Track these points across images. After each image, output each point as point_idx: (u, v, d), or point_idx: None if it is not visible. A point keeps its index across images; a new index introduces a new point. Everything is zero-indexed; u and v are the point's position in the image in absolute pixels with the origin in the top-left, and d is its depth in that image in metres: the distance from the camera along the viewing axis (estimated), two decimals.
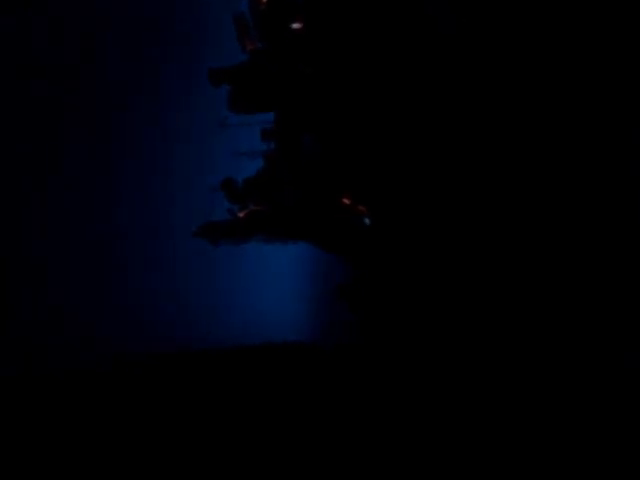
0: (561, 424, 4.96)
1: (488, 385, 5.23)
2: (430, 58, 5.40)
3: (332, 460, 4.86)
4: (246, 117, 5.96)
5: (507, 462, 4.82)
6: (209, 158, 6.54)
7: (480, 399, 5.18)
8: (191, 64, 6.58)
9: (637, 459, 4.70)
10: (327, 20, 5.59)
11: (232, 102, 5.88)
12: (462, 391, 5.20)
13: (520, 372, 5.21)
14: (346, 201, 5.64)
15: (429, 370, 5.29)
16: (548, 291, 5.32)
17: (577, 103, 5.36)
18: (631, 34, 5.28)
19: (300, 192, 5.70)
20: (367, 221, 5.57)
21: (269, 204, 5.83)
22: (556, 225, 5.37)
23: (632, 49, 5.28)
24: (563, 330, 5.24)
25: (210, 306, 6.63)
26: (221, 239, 5.95)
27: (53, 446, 4.96)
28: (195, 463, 4.89)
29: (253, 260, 6.45)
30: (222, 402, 5.32)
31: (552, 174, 5.40)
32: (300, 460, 4.86)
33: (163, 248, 6.62)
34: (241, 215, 5.92)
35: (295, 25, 5.67)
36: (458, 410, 5.10)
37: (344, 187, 5.65)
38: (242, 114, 5.93)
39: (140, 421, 5.16)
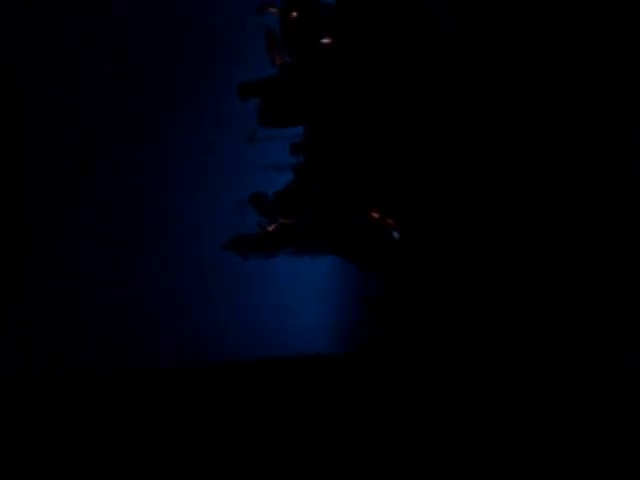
0: (561, 424, 4.96)
1: (490, 384, 5.24)
2: (442, 63, 5.41)
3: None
4: (275, 131, 5.93)
5: (507, 462, 4.83)
6: (238, 172, 6.51)
7: (482, 397, 5.19)
8: (219, 78, 6.56)
9: (637, 459, 4.71)
10: (356, 35, 5.57)
11: (261, 116, 5.83)
12: (471, 392, 5.21)
13: (520, 372, 5.22)
14: (375, 215, 5.63)
15: (457, 380, 5.29)
16: (548, 291, 5.33)
17: (577, 103, 5.36)
18: (631, 34, 5.29)
19: (329, 206, 5.68)
20: (396, 234, 5.56)
21: (298, 217, 5.80)
22: (556, 225, 5.38)
23: (632, 49, 5.28)
24: (563, 330, 5.25)
25: (238, 318, 6.62)
26: (250, 252, 5.92)
27: (53, 447, 4.96)
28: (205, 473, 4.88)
29: (282, 273, 6.43)
30: (246, 414, 5.31)
31: (552, 174, 5.40)
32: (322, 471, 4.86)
33: (192, 261, 6.61)
34: (270, 229, 5.89)
35: (324, 40, 5.64)
36: (468, 412, 5.12)
37: (373, 201, 5.64)
38: (271, 128, 5.90)
39: (147, 427, 5.15)
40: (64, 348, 6.21)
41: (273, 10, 5.83)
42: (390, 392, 5.36)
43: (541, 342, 5.26)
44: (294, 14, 5.73)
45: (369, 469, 4.87)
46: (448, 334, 5.43)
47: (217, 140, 6.61)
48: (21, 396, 5.39)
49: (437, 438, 5.01)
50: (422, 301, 5.57)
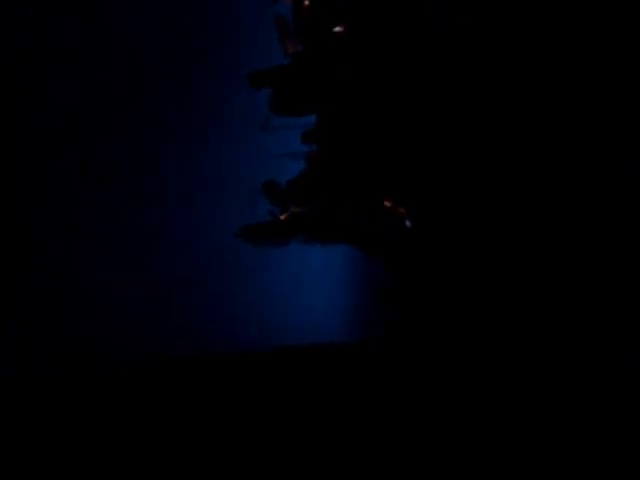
0: (561, 424, 4.97)
1: (489, 383, 5.25)
2: (443, 60, 5.40)
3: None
4: (288, 119, 5.88)
5: (507, 462, 4.83)
6: (251, 160, 6.50)
7: (481, 397, 5.20)
8: (232, 66, 6.54)
9: (637, 459, 4.71)
10: (369, 24, 5.52)
11: (274, 104, 5.77)
12: (472, 389, 5.22)
13: (520, 372, 5.22)
14: (387, 203, 5.58)
15: (460, 375, 5.29)
16: (548, 291, 5.33)
17: (577, 103, 5.36)
18: (631, 34, 5.28)
19: (341, 195, 5.63)
20: (408, 223, 5.51)
21: (310, 206, 5.74)
22: (556, 225, 5.38)
23: (632, 49, 5.28)
24: (563, 330, 5.25)
25: (250, 306, 6.60)
26: (263, 240, 5.86)
27: (53, 448, 4.96)
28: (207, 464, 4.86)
29: (294, 261, 6.42)
30: (254, 403, 5.29)
31: (552, 174, 5.40)
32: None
33: (204, 249, 6.59)
34: (282, 217, 5.84)
35: (337, 28, 5.59)
36: (465, 409, 5.12)
37: (385, 189, 5.58)
38: (284, 116, 5.85)
39: (149, 425, 5.13)
40: (64, 348, 6.21)
41: None
42: (399, 382, 5.37)
43: (541, 342, 5.27)
44: (307, 2, 5.69)
45: (375, 460, 4.86)
46: (455, 327, 5.43)
47: (230, 128, 6.61)
48: (21, 396, 5.39)
49: (440, 431, 5.01)
50: (434, 289, 5.55)
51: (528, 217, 5.39)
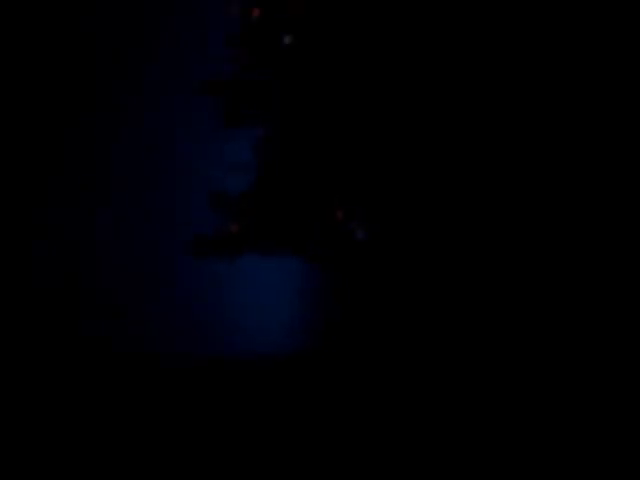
0: (561, 424, 4.97)
1: (486, 384, 5.25)
2: (429, 58, 5.42)
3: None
4: (240, 131, 5.85)
5: (507, 462, 4.83)
6: (202, 171, 6.47)
7: (478, 399, 5.20)
8: (185, 74, 6.51)
9: (637, 459, 4.71)
10: (318, 35, 5.52)
11: (225, 116, 5.76)
12: (462, 392, 5.22)
13: (520, 372, 5.22)
14: (339, 214, 5.59)
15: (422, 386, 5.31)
16: (548, 291, 5.34)
17: (577, 103, 5.37)
18: (631, 34, 5.29)
19: (291, 206, 5.62)
20: (360, 235, 5.52)
21: (260, 218, 5.72)
22: (556, 225, 5.39)
23: (632, 49, 5.29)
24: (563, 330, 5.26)
25: (199, 319, 6.60)
26: (212, 253, 5.81)
27: (53, 447, 4.97)
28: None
29: (244, 272, 6.40)
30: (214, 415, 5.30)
31: (552, 174, 5.41)
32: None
33: (155, 262, 6.58)
34: (232, 229, 5.79)
35: (287, 39, 5.56)
36: (457, 410, 5.12)
37: (336, 201, 5.59)
38: (235, 127, 5.82)
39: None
40: (65, 348, 6.23)
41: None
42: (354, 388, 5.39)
43: (541, 342, 5.28)
44: (255, 13, 5.66)
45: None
46: (419, 335, 5.45)
47: (179, 140, 6.57)
48: (25, 396, 5.41)
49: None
50: (389, 302, 5.56)
51: (525, 218, 5.40)
